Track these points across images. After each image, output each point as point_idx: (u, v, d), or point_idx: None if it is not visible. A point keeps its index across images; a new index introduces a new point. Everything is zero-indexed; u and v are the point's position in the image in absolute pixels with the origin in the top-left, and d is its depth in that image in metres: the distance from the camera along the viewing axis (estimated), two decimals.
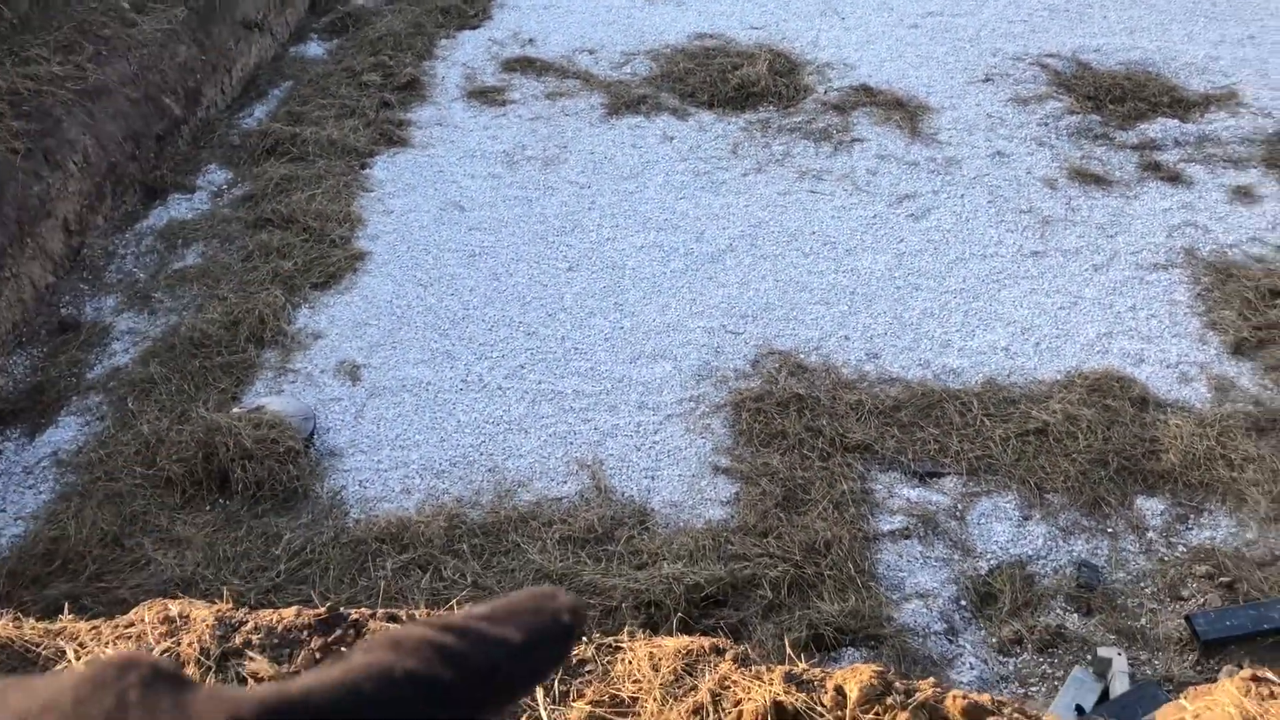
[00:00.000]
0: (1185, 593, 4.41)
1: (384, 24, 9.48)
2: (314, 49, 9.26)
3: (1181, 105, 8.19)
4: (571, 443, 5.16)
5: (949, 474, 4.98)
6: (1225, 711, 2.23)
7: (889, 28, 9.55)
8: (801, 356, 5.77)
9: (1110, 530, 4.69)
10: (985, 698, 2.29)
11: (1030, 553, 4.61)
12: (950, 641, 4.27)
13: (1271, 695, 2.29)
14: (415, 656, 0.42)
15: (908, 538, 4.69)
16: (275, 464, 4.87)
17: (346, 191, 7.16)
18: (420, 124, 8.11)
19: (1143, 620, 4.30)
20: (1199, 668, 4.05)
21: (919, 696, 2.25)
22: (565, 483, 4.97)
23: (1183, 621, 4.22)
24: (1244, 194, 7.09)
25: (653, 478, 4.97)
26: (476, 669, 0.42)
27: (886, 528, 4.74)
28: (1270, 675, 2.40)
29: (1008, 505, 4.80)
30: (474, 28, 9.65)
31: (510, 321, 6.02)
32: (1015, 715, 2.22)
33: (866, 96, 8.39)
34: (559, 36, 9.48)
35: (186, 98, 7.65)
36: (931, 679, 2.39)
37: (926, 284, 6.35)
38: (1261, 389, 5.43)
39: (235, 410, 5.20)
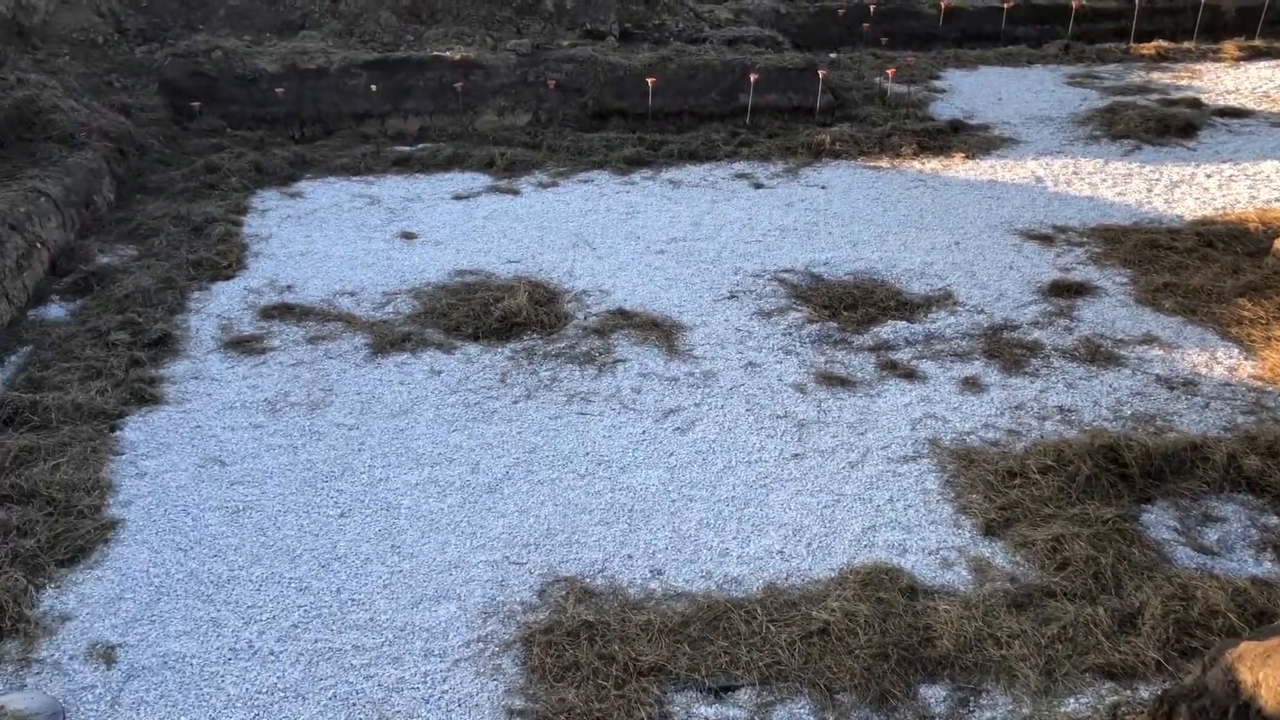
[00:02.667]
0: None
1: (131, 281, 9.24)
2: (55, 311, 8.88)
3: (907, 307, 8.99)
4: (354, 704, 4.87)
5: (742, 686, 5.00)
6: None
7: (637, 255, 10.13)
8: (587, 580, 5.75)
9: None
10: None
11: None
12: None
13: None
14: None
15: None
16: None
17: (95, 457, 6.75)
18: (174, 379, 7.84)
19: None
20: None
21: None
22: None
23: None
24: (972, 384, 7.77)
25: None
26: None
27: None
28: None
29: (802, 711, 4.84)
30: (228, 278, 9.56)
31: (280, 578, 5.73)
32: None
33: (624, 319, 8.78)
34: (318, 281, 9.51)
35: None
36: None
37: (700, 495, 6.53)
38: (1014, 566, 5.81)
39: None
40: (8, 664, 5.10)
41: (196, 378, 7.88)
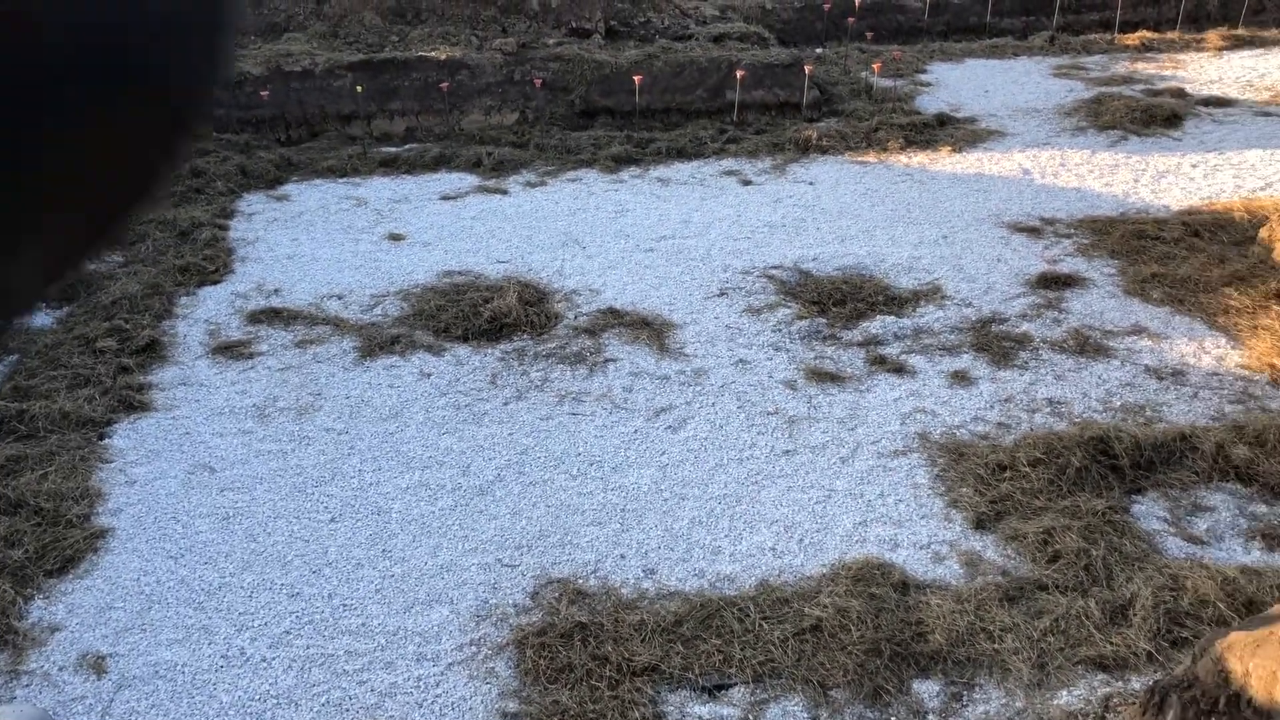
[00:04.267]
0: None
1: (118, 287, 9.20)
2: (41, 319, 8.83)
3: (895, 302, 9.00)
4: (348, 710, 4.86)
5: (736, 684, 5.00)
6: None
7: (627, 253, 10.12)
8: (580, 581, 5.74)
9: (894, 719, 4.80)
10: None
11: None
12: None
13: None
14: None
15: None
16: None
17: (83, 465, 6.73)
18: (163, 386, 7.81)
19: None
20: None
21: None
22: None
23: None
24: (961, 378, 7.78)
25: None
26: None
27: None
28: None
29: (796, 709, 4.85)
30: (215, 283, 9.53)
31: (271, 585, 5.71)
32: None
33: (614, 318, 8.77)
34: (305, 285, 9.48)
35: None
36: None
37: (692, 493, 6.53)
38: (1006, 559, 5.82)
39: None
40: None
41: (185, 384, 7.85)
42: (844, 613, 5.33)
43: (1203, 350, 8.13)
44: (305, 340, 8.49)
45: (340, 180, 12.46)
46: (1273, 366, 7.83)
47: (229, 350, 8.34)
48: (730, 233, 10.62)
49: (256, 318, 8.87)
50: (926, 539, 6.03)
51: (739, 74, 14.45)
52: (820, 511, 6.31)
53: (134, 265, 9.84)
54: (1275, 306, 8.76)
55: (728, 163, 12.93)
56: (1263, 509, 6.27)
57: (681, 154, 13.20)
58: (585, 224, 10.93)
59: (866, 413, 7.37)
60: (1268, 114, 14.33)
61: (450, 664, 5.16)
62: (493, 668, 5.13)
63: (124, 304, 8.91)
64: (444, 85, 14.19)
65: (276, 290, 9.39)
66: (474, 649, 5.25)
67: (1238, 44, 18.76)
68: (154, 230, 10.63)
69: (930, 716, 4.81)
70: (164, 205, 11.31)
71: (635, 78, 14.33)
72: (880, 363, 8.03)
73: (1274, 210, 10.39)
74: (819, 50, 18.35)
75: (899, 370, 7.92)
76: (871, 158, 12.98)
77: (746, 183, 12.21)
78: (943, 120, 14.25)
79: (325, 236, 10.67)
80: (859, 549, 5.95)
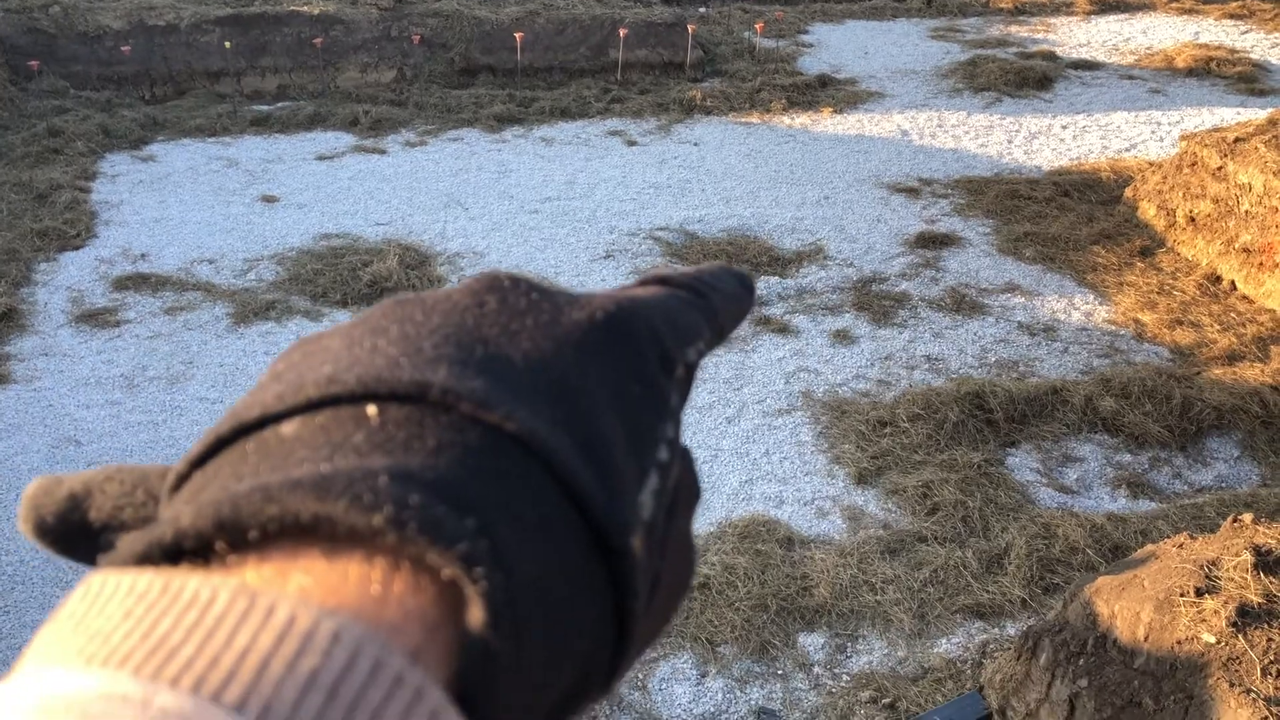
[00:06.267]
0: None
1: None
2: None
3: (779, 263, 9.08)
4: None
5: None
6: None
7: (511, 215, 9.97)
8: None
9: (780, 672, 4.88)
10: None
11: (712, 710, 4.70)
12: None
13: None
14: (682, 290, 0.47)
15: None
16: None
17: None
18: (21, 356, 7.41)
19: None
20: None
21: None
22: None
23: None
24: (843, 337, 7.90)
25: None
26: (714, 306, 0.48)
27: None
28: None
29: (685, 666, 4.89)
30: (77, 248, 9.07)
31: None
32: None
33: None
34: (174, 249, 9.10)
35: None
36: None
37: None
38: (887, 513, 5.95)
39: None
40: None
41: (46, 354, 7.47)
42: (731, 570, 5.38)
43: (1072, 306, 8.42)
44: (175, 307, 8.15)
45: (210, 140, 11.97)
46: (1137, 321, 8.16)
47: (94, 318, 7.96)
48: (616, 194, 10.56)
49: (123, 284, 8.48)
50: (811, 495, 6.12)
51: (622, 32, 14.32)
52: (707, 471, 6.34)
53: None
54: (1139, 263, 9.12)
55: (612, 123, 12.84)
56: (1128, 458, 6.54)
57: (565, 113, 13.05)
58: (468, 185, 10.73)
59: (752, 372, 7.43)
60: (1132, 77, 14.85)
61: None
62: None
63: None
64: (318, 41, 13.72)
65: (144, 255, 8.99)
66: None
67: (1105, 8, 19.38)
68: (8, 193, 10.06)
69: (816, 668, 4.90)
70: (18, 166, 10.72)
71: (517, 35, 14.08)
72: (765, 323, 8.09)
73: (1138, 170, 10.80)
74: (702, 9, 18.32)
75: (783, 330, 8.01)
76: (755, 118, 13.04)
77: (631, 143, 12.15)
78: (824, 81, 14.39)
79: (195, 199, 10.25)
80: (745, 507, 6.01)
